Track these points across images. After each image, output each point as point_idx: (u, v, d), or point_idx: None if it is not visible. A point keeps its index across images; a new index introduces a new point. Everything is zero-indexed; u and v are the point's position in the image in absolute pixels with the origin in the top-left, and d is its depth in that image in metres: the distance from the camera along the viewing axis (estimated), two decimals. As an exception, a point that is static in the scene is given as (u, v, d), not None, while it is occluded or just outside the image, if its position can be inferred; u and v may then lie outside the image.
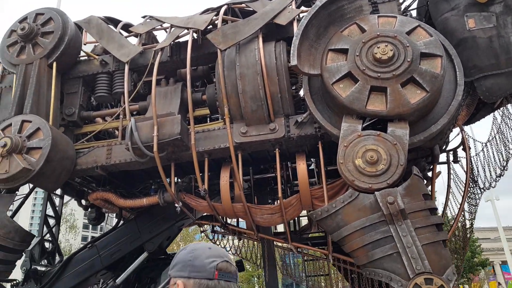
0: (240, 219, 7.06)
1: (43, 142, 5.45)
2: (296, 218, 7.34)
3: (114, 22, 7.18)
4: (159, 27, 6.74)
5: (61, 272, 6.72)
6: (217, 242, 7.90)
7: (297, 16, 5.73)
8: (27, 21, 6.48)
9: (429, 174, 5.67)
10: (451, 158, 6.40)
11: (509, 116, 5.94)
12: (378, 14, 5.19)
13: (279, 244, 7.24)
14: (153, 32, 7.19)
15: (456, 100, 4.87)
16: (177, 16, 6.86)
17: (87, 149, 6.02)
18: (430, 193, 5.07)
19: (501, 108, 6.08)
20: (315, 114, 5.20)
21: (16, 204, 6.52)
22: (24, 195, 6.56)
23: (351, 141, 4.59)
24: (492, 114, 6.22)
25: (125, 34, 7.05)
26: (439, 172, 5.66)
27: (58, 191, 7.86)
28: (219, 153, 5.69)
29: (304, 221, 8.05)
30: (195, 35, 6.12)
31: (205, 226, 7.87)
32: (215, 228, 7.50)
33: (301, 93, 5.85)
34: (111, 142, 6.01)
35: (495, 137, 5.98)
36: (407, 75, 4.62)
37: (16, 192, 5.80)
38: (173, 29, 6.42)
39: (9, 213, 5.96)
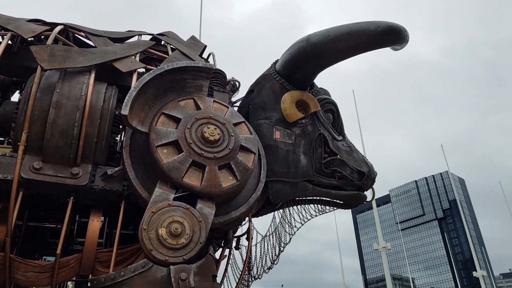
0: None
1: None
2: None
3: None
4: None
5: None
6: None
7: (139, 70, 5.62)
8: None
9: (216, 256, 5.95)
10: (234, 244, 6.97)
11: (285, 218, 7.04)
12: (214, 99, 5.63)
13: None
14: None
15: (256, 194, 5.51)
16: (-5, 11, 5.71)
17: None
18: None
19: (281, 210, 7.19)
20: (129, 171, 4.91)
21: None
22: None
23: (160, 208, 4.47)
24: (272, 213, 7.26)
25: None
26: (225, 256, 6.02)
27: None
28: (-6, 184, 4.55)
29: None
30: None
31: None
32: None
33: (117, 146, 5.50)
34: None
35: (272, 233, 6.91)
36: (226, 160, 5.01)
37: None
38: None
39: None
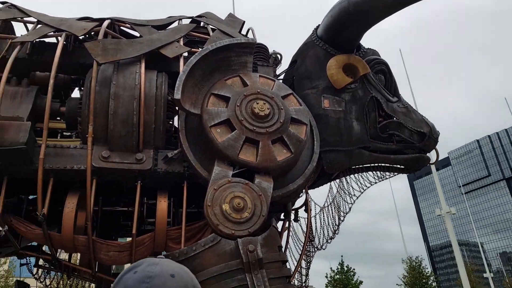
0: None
1: None
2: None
3: None
4: (23, 19, 5.81)
5: None
6: (42, 280, 6.54)
7: (184, 54, 5.75)
8: None
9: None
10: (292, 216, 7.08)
11: (343, 188, 6.99)
12: (260, 74, 5.64)
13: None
14: (11, 23, 6.15)
15: (311, 165, 5.52)
16: (46, 14, 6.07)
17: None
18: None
19: (337, 180, 7.14)
20: (187, 152, 5.12)
21: None
22: None
23: (221, 185, 4.64)
24: (329, 183, 7.24)
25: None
26: (286, 228, 6.15)
27: None
28: (69, 175, 4.96)
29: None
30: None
31: (29, 258, 6.50)
32: (39, 262, 6.27)
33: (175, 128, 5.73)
34: None
35: (331, 203, 6.91)
36: (278, 134, 5.06)
37: None
38: (39, 26, 5.62)
39: None
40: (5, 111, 4.75)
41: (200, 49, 6.05)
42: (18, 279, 6.43)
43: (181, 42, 5.93)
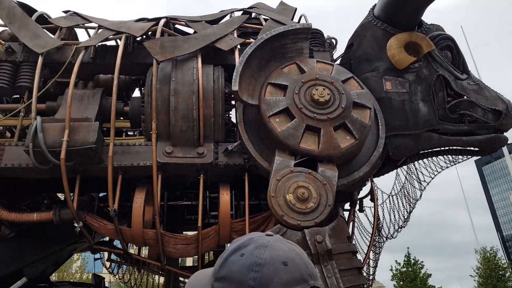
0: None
1: None
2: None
3: (29, 10, 6.30)
4: (84, 25, 6.11)
5: None
6: (115, 274, 6.94)
7: (238, 46, 5.71)
8: None
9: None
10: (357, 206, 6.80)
11: (411, 174, 6.59)
12: (317, 60, 5.45)
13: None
14: (75, 29, 6.49)
15: (377, 151, 5.24)
16: (105, 19, 6.33)
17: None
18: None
19: (404, 166, 6.74)
20: (247, 144, 5.09)
21: None
22: None
23: (284, 175, 4.54)
24: (395, 170, 6.85)
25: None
26: (353, 218, 5.92)
27: None
28: (136, 171, 5.14)
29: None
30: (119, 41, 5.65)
31: (102, 253, 6.91)
32: (111, 256, 6.63)
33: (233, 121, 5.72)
34: (4, 142, 5.01)
35: (399, 191, 6.54)
36: (340, 120, 4.84)
37: None
38: (100, 30, 5.87)
39: None
40: (74, 113, 5.01)
41: (253, 40, 5.99)
42: (93, 272, 6.83)
43: (235, 34, 5.89)
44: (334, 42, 6.83)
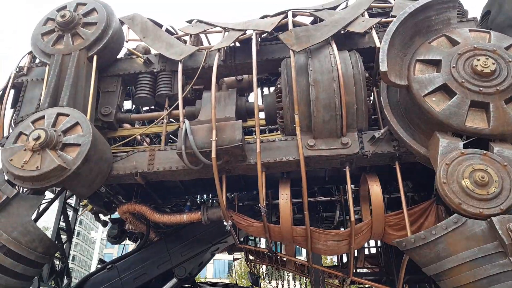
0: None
1: (82, 139, 4.70)
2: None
3: (157, 24, 6.68)
4: (211, 30, 6.26)
5: (72, 296, 5.73)
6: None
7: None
8: (67, 9, 5.90)
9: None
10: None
11: None
12: (469, 28, 4.83)
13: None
14: (200, 37, 6.72)
15: None
16: (228, 22, 6.42)
17: (124, 153, 5.27)
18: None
19: None
20: (397, 129, 4.67)
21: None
22: (49, 200, 5.64)
23: (454, 159, 4.02)
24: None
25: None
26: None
27: (72, 203, 6.98)
28: (278, 167, 5.03)
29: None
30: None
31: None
32: (249, 256, 6.68)
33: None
34: (153, 148, 5.29)
35: None
36: (512, 92, 4.18)
37: (44, 195, 4.94)
38: (227, 32, 5.94)
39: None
40: (216, 113, 5.07)
41: (381, 20, 5.57)
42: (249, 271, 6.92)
43: (366, 16, 5.53)
44: (467, 12, 6.11)
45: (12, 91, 5.97)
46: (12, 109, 6.23)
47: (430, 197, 5.31)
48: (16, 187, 4.80)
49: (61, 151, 4.66)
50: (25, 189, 4.92)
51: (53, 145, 4.63)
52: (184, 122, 4.88)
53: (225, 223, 5.09)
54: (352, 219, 4.66)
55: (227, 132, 4.79)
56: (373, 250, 7.24)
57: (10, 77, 5.90)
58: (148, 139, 6.85)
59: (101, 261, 6.76)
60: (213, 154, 4.62)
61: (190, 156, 4.73)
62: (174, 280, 5.76)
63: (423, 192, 5.56)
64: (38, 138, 4.57)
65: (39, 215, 5.19)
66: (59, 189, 5.65)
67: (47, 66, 5.60)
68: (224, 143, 4.72)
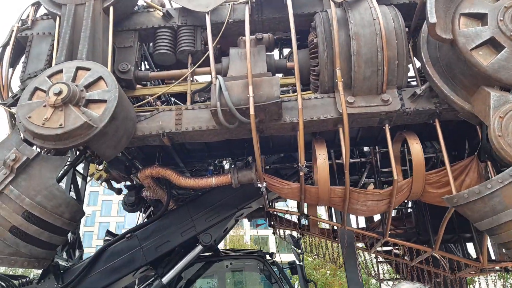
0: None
1: (109, 94, 4.29)
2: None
3: None
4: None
5: (90, 267, 5.39)
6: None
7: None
8: (80, -43, 5.33)
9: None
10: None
11: None
12: (512, -18, 4.71)
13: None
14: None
15: None
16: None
17: (147, 113, 4.91)
18: None
19: None
20: (440, 85, 4.56)
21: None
22: (69, 163, 5.19)
23: (508, 112, 3.96)
24: None
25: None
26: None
27: (81, 170, 6.54)
28: (316, 126, 4.84)
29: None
30: None
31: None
32: (272, 222, 6.52)
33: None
34: (180, 107, 4.95)
35: None
36: None
37: (68, 155, 4.54)
38: None
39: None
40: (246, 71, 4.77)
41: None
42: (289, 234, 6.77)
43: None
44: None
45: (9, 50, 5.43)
46: (11, 69, 5.70)
47: (460, 157, 5.30)
48: (34, 147, 4.38)
49: (85, 108, 4.26)
50: (43, 150, 4.50)
51: (76, 100, 4.21)
52: (217, 77, 4.56)
53: (260, 185, 4.89)
54: (395, 177, 4.56)
55: (264, 88, 4.52)
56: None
57: (12, 31, 5.33)
58: (159, 102, 6.46)
59: (108, 232, 6.40)
60: (251, 111, 4.36)
61: (225, 114, 4.45)
62: (199, 247, 5.54)
63: (454, 151, 5.54)
64: (60, 92, 4.13)
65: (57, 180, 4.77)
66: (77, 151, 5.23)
67: (58, 18, 5.07)
68: (262, 99, 4.45)
